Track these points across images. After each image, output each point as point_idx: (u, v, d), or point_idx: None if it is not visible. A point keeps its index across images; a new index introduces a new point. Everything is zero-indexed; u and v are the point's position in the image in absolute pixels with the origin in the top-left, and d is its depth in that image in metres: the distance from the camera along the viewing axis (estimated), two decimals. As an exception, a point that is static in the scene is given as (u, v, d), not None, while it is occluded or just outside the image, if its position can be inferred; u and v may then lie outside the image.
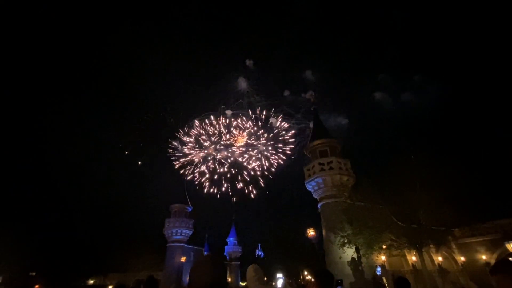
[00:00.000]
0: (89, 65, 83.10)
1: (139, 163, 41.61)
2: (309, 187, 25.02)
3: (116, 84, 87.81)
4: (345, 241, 19.30)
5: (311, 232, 22.58)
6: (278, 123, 25.05)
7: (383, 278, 18.66)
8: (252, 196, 31.18)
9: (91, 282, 42.74)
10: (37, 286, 32.78)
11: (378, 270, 18.37)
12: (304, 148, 28.00)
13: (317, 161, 24.35)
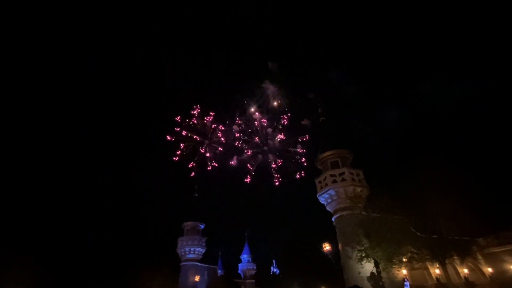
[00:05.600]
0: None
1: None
2: (321, 199, 24.46)
3: (132, 93, 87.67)
4: (363, 255, 18.56)
5: (326, 247, 21.73)
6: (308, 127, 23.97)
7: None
8: None
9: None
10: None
11: (406, 284, 17.39)
12: (314, 160, 27.60)
13: (328, 172, 23.91)
